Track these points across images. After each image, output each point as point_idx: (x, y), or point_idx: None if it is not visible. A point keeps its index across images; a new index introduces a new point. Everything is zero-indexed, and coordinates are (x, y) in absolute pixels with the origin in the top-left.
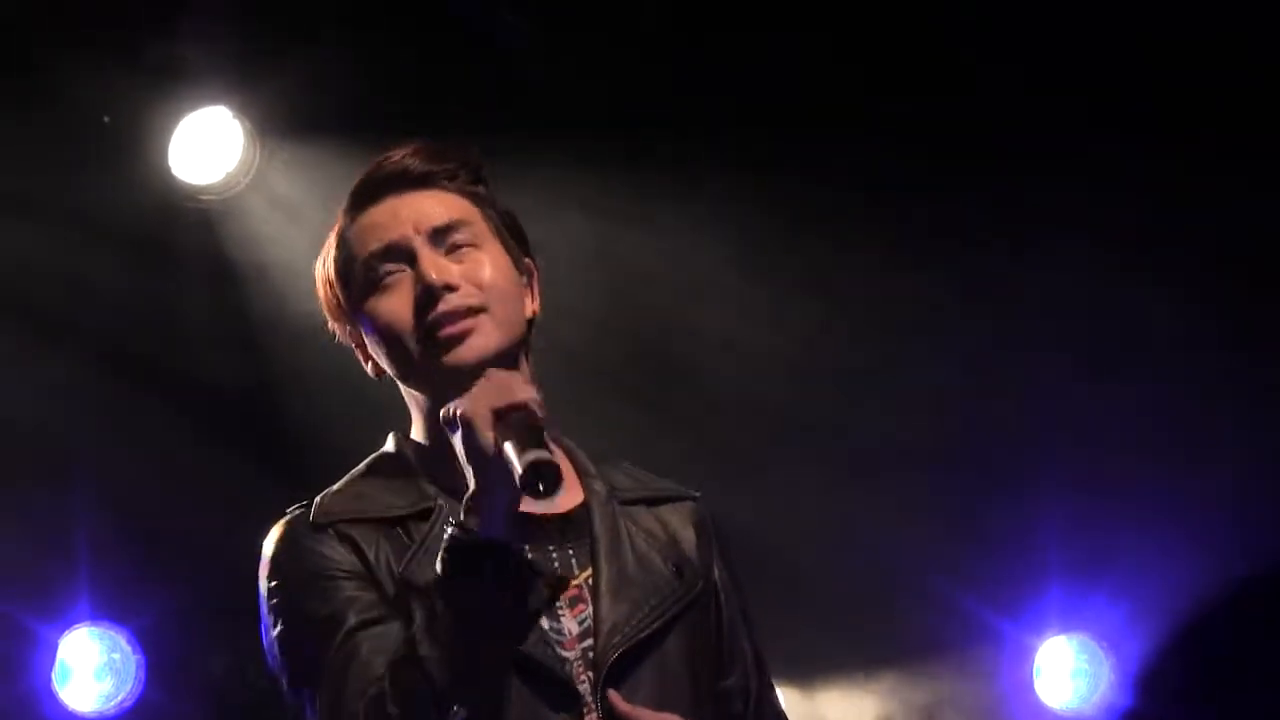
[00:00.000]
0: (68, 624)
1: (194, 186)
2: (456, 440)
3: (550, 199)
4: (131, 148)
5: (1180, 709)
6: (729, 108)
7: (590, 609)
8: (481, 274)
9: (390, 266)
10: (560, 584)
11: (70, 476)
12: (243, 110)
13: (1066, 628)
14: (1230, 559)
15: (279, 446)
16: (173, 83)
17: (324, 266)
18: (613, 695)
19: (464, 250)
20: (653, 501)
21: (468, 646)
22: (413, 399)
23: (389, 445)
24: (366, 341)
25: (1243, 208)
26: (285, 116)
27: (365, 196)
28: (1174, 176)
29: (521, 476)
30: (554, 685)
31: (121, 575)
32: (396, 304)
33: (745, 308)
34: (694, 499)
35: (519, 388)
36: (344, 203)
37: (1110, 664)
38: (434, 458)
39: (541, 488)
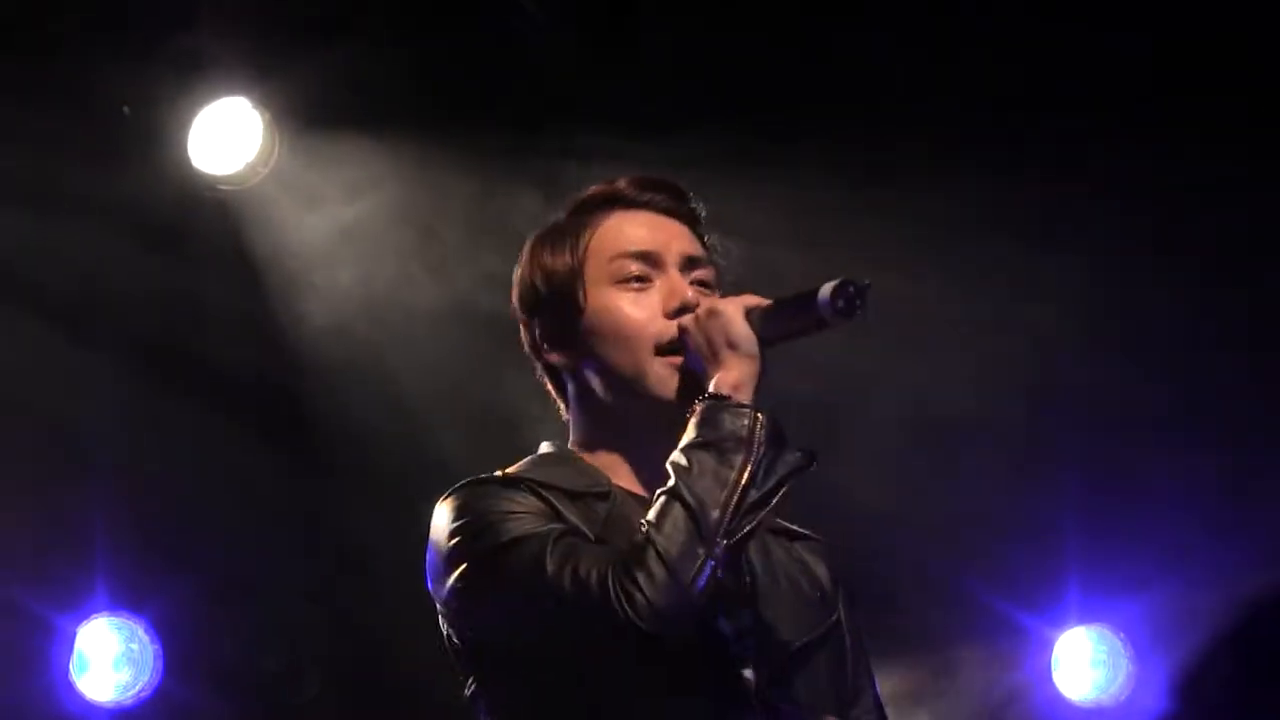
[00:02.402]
0: (85, 614)
1: (213, 177)
2: (703, 336)
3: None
4: (151, 138)
5: (1201, 702)
6: (758, 104)
7: (742, 614)
8: None
9: (642, 269)
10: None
11: (87, 466)
12: (262, 101)
13: (1085, 619)
14: (1251, 552)
15: (297, 436)
16: (192, 73)
17: (544, 247)
18: (779, 696)
19: (706, 287)
20: (790, 535)
21: (729, 497)
22: (596, 401)
23: (546, 448)
24: (584, 325)
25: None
26: (304, 107)
27: (613, 203)
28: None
29: (833, 296)
30: (724, 673)
31: (139, 565)
32: (646, 309)
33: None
34: (824, 542)
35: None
36: (573, 207)
37: (1129, 655)
38: (601, 459)
39: (854, 291)
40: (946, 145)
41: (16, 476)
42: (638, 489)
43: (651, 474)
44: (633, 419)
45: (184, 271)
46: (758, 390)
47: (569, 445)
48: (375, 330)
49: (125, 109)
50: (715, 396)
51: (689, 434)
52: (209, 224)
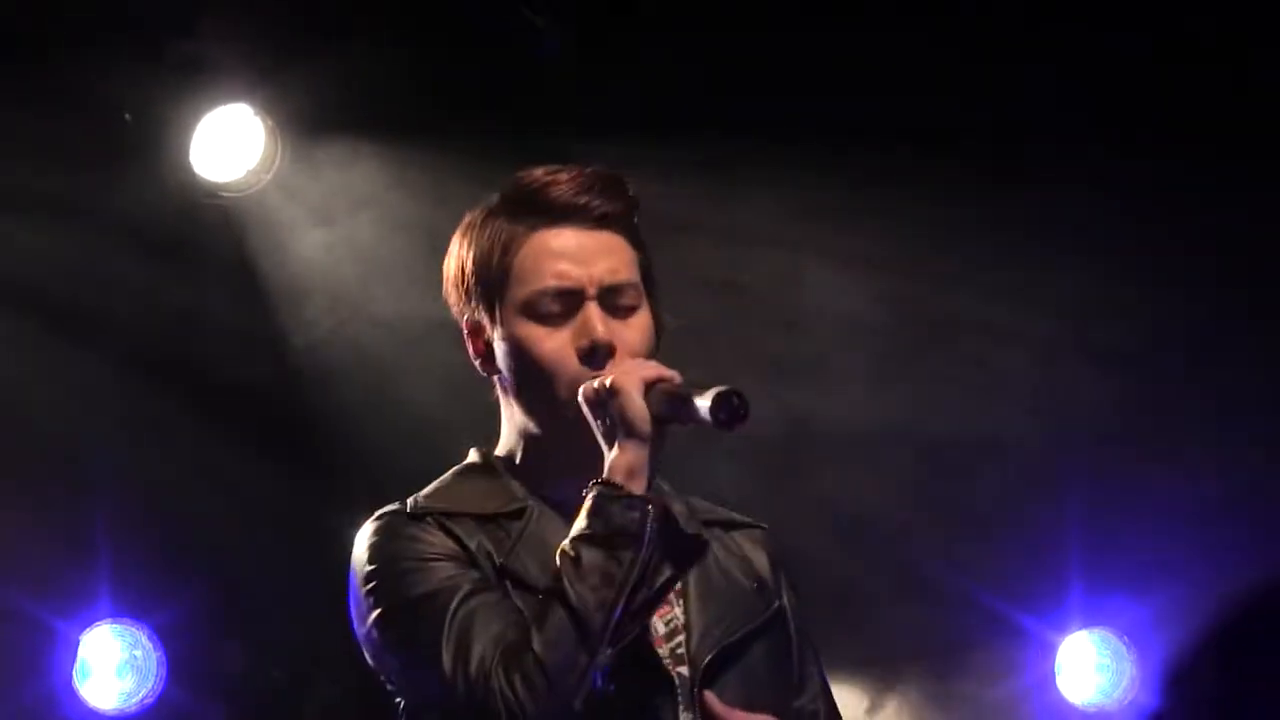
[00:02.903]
0: (89, 621)
1: (215, 184)
2: (602, 413)
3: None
4: (153, 145)
5: (1204, 705)
6: (763, 110)
7: (675, 611)
8: (636, 343)
9: (560, 307)
10: (703, 547)
11: (91, 473)
12: (264, 107)
13: (1089, 623)
14: (1253, 555)
15: (300, 443)
16: (194, 80)
17: (467, 251)
18: (709, 696)
19: (628, 312)
20: (728, 526)
21: (615, 598)
22: (517, 416)
23: (473, 457)
24: (499, 349)
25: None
26: (306, 114)
27: (543, 212)
28: (1199, 178)
29: (712, 409)
30: (653, 674)
31: (143, 572)
32: (559, 345)
33: (777, 310)
34: (764, 529)
35: (659, 364)
36: (507, 196)
37: (1133, 659)
38: (525, 469)
39: (737, 403)
40: (947, 150)
41: (19, 483)
42: (561, 498)
43: (577, 480)
44: (551, 436)
45: (186, 279)
46: (651, 475)
47: (495, 452)
48: (378, 339)
49: (126, 115)
50: (607, 484)
51: (580, 522)
52: (210, 231)
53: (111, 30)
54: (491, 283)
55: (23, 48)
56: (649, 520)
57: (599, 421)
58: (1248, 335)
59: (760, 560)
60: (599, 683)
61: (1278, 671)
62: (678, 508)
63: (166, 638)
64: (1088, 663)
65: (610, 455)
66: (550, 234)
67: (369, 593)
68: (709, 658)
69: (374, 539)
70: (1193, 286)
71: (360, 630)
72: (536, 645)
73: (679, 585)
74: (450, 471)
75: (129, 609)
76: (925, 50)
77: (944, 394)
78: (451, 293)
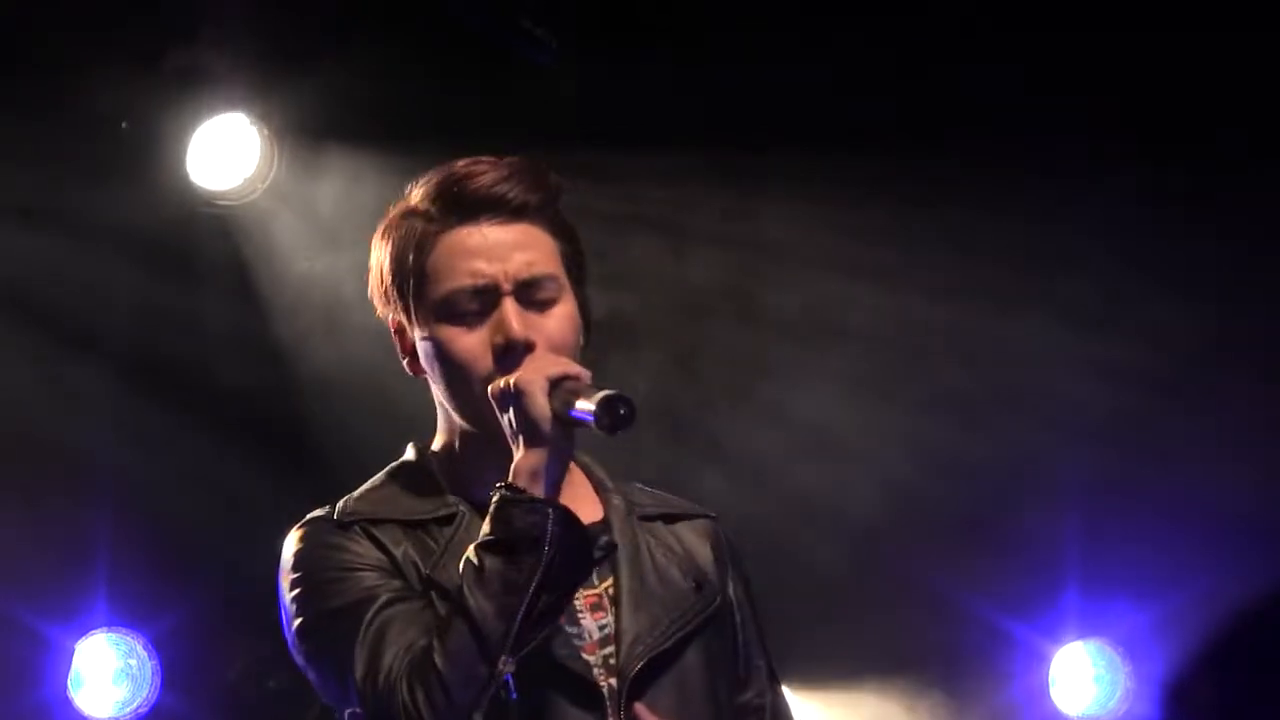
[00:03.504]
0: (84, 629)
1: (212, 192)
2: (508, 414)
3: (573, 215)
4: (150, 153)
5: (1200, 718)
6: (761, 122)
7: (609, 617)
8: (557, 335)
9: (475, 306)
10: (611, 548)
11: (87, 481)
12: (261, 116)
13: (1084, 633)
14: (1252, 566)
15: (296, 452)
16: (191, 89)
17: (385, 251)
18: (639, 708)
19: (547, 305)
20: (670, 518)
21: (516, 605)
22: (446, 414)
23: (409, 454)
24: (420, 350)
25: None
26: (303, 122)
27: (457, 208)
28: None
29: (597, 413)
30: (579, 685)
31: (138, 581)
32: (475, 344)
33: (778, 323)
34: (710, 517)
35: (568, 362)
36: (423, 194)
37: (1129, 671)
38: (457, 467)
39: (623, 412)
40: (947, 162)
41: (15, 490)
42: (488, 500)
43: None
44: (476, 436)
45: (183, 287)
46: (556, 477)
47: (431, 449)
48: (373, 347)
49: (124, 124)
50: (509, 488)
51: (485, 527)
52: (207, 239)
53: (109, 39)
54: (408, 284)
55: (20, 57)
56: (549, 524)
57: (506, 421)
58: (1247, 346)
59: (704, 553)
60: (514, 695)
61: (1275, 685)
62: (616, 502)
63: (162, 646)
64: (1083, 674)
65: (516, 457)
66: (464, 231)
67: (291, 600)
68: (638, 667)
69: (299, 546)
70: (1193, 297)
71: (287, 635)
72: (437, 659)
73: (612, 591)
74: (385, 470)
75: (125, 617)
76: (924, 67)
77: (941, 402)
78: (375, 294)
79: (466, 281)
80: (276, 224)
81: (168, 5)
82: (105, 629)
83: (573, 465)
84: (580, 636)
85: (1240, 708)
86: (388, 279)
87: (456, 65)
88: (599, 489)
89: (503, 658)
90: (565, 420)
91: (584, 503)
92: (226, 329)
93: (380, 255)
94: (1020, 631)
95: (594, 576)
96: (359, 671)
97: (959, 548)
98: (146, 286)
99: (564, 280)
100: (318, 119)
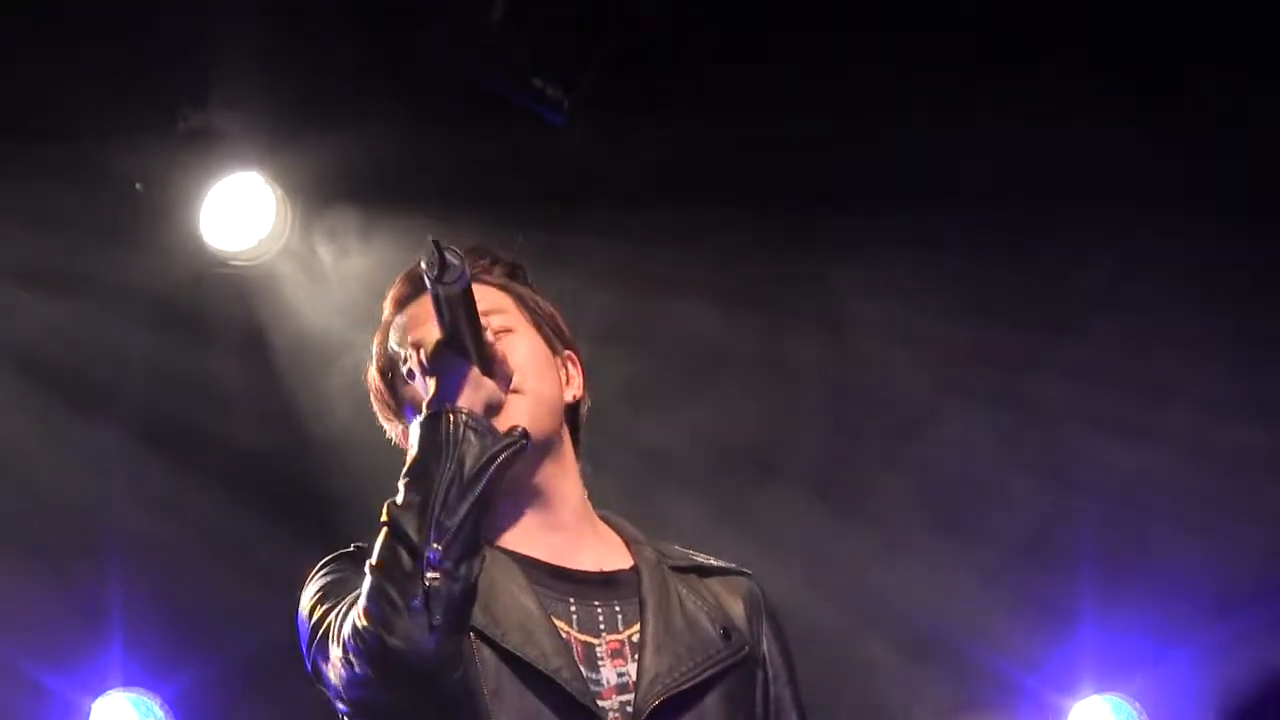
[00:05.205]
0: (100, 689)
1: (226, 253)
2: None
3: (584, 274)
4: (163, 214)
5: None
6: (769, 181)
7: (630, 665)
8: (513, 355)
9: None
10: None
11: (103, 541)
12: (275, 176)
13: (1101, 687)
14: (1270, 620)
15: (312, 512)
16: (205, 149)
17: (372, 369)
18: None
19: (499, 334)
20: (704, 572)
21: (428, 491)
22: None
23: None
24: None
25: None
26: (317, 183)
27: (404, 296)
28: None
29: (427, 270)
30: None
31: (155, 641)
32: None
33: (786, 373)
34: (746, 575)
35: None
36: (386, 308)
37: None
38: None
39: (436, 249)
40: (965, 213)
41: (33, 550)
42: (512, 547)
43: (518, 530)
44: None
45: (197, 348)
46: (458, 388)
47: None
48: None
49: (137, 185)
50: (423, 412)
51: (415, 436)
52: (221, 300)
53: (122, 101)
54: (390, 382)
55: (33, 117)
56: (451, 425)
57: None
58: (1258, 399)
59: (735, 608)
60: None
61: None
62: (648, 554)
63: (179, 706)
64: None
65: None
66: (409, 308)
67: (303, 621)
68: (655, 705)
69: (324, 565)
70: (1202, 350)
71: (306, 663)
72: (372, 577)
73: (637, 638)
74: None
75: (142, 678)
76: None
77: (956, 452)
78: (381, 417)
79: (413, 336)
80: (289, 284)
81: (181, 66)
82: (122, 689)
83: (602, 522)
84: (598, 683)
85: None
86: (374, 391)
87: (469, 125)
88: (630, 542)
89: (431, 544)
90: (450, 336)
91: (614, 553)
92: (240, 390)
93: (369, 378)
94: (1038, 685)
95: (619, 623)
96: (335, 652)
97: (974, 601)
98: (160, 347)
99: (519, 315)
100: (331, 179)
